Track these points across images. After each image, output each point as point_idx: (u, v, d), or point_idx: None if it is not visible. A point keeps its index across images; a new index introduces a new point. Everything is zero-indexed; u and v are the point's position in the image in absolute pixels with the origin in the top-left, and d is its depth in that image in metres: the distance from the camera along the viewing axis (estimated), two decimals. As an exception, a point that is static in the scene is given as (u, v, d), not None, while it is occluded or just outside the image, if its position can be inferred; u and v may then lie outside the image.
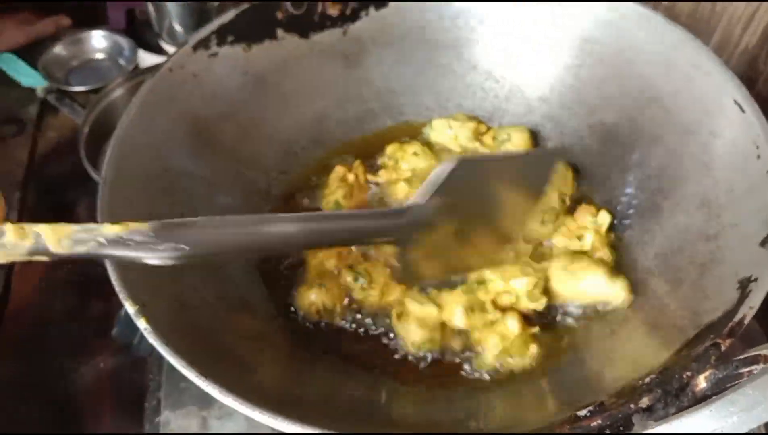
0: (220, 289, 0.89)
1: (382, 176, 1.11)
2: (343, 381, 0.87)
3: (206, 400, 0.94)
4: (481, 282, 0.93)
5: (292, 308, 0.95)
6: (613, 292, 0.92)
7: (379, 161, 1.14)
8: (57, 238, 0.56)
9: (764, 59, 1.23)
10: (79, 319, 1.16)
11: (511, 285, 0.92)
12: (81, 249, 0.58)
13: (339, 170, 1.09)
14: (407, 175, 1.09)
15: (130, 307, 0.72)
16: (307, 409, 0.73)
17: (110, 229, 0.60)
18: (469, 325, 0.91)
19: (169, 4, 1.47)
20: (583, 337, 0.92)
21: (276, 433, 0.86)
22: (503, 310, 0.92)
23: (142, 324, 0.71)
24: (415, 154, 1.11)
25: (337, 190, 1.06)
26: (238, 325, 0.87)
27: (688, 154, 0.96)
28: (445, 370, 0.90)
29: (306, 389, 0.81)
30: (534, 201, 0.93)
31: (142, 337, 1.07)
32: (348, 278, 0.95)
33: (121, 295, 0.73)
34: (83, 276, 1.19)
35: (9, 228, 0.55)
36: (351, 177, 1.08)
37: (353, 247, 0.98)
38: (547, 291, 0.94)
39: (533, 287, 0.92)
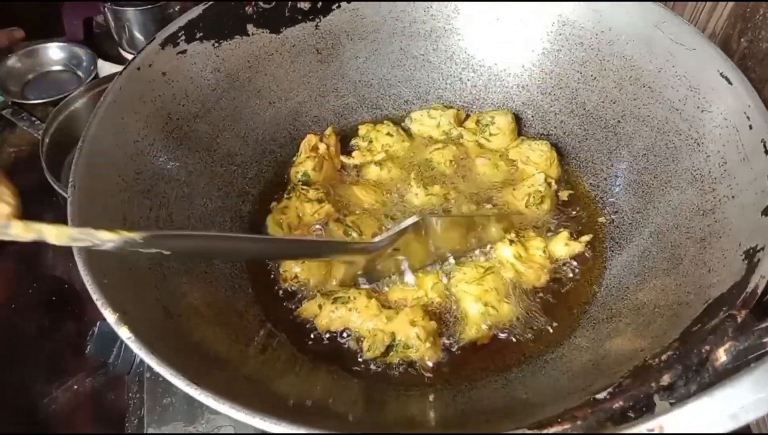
0: (206, 295, 0.85)
1: (356, 157, 1.09)
2: (341, 385, 0.83)
3: (193, 415, 0.89)
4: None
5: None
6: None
7: (353, 142, 1.12)
8: (57, 236, 0.64)
9: (737, 39, 1.23)
10: (52, 340, 1.10)
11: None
12: (77, 243, 0.65)
13: (310, 139, 1.06)
14: (380, 157, 1.07)
15: (110, 315, 0.67)
16: (307, 413, 0.69)
17: (105, 235, 0.65)
18: None
19: (128, 11, 1.42)
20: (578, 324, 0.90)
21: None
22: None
23: (124, 333, 0.66)
24: (388, 134, 1.09)
25: (307, 160, 1.03)
26: (227, 330, 0.82)
27: (676, 131, 0.95)
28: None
29: (303, 392, 0.76)
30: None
31: (119, 354, 1.03)
32: (339, 232, 0.96)
33: (99, 303, 0.67)
34: (55, 295, 1.14)
35: (17, 224, 0.63)
36: (322, 147, 1.05)
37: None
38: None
39: None
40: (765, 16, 1.12)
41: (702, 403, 0.47)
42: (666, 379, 0.61)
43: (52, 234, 0.64)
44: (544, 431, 0.56)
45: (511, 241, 0.94)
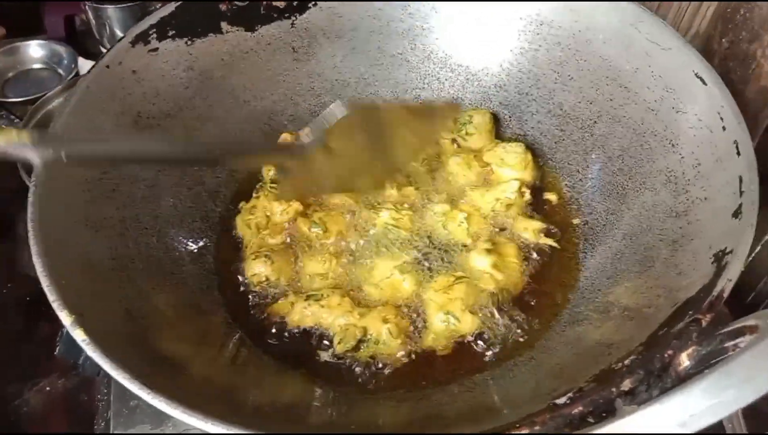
0: (172, 296, 0.84)
1: None
2: (305, 389, 0.82)
3: (160, 417, 0.88)
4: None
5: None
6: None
7: None
8: None
9: (718, 39, 1.22)
10: (26, 340, 1.09)
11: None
12: None
13: (285, 138, 1.05)
14: None
15: (65, 317, 0.66)
16: (267, 417, 0.68)
17: None
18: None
19: (108, 8, 1.40)
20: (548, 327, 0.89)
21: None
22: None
23: (79, 335, 0.65)
24: None
25: None
26: (193, 333, 0.81)
27: (651, 132, 0.94)
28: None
29: (266, 396, 0.75)
30: (424, 146, 1.02)
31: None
32: (304, 227, 0.96)
33: (55, 305, 0.66)
34: (29, 296, 1.12)
35: None
36: None
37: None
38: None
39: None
40: (746, 17, 1.11)
41: (652, 410, 0.46)
42: (627, 384, 0.60)
43: None
44: (500, 437, 0.56)
45: (488, 251, 0.92)
